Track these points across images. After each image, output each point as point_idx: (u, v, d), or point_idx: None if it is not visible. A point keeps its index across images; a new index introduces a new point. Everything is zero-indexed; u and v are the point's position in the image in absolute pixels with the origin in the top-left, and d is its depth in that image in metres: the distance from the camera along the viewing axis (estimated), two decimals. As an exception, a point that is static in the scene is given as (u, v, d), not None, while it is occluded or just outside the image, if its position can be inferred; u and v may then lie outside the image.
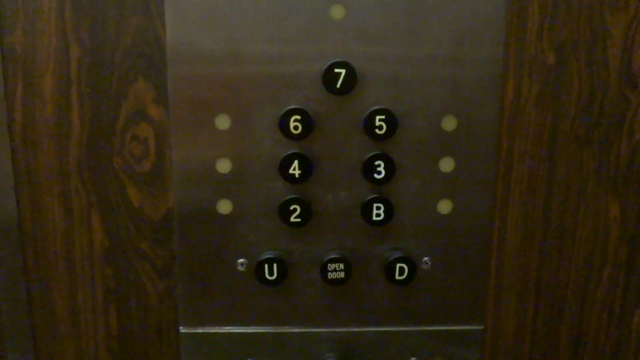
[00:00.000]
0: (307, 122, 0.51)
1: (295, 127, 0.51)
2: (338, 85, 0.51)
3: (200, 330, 0.57)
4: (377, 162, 0.52)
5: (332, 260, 0.54)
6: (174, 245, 0.56)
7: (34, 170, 0.54)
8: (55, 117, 0.53)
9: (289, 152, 0.52)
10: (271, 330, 0.57)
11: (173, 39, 0.50)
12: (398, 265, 0.54)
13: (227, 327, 0.57)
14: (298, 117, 0.51)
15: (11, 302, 0.57)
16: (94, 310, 0.58)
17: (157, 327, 0.58)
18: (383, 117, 0.51)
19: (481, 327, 0.59)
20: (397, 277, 0.55)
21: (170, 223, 0.55)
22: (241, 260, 0.55)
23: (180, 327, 0.57)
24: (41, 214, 0.55)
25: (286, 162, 0.52)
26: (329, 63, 0.50)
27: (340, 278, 0.55)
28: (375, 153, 0.52)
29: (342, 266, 0.54)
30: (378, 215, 0.53)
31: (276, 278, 0.54)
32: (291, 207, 0.53)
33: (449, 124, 0.53)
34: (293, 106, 0.51)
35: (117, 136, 0.54)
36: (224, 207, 0.54)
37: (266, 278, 0.54)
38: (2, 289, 0.57)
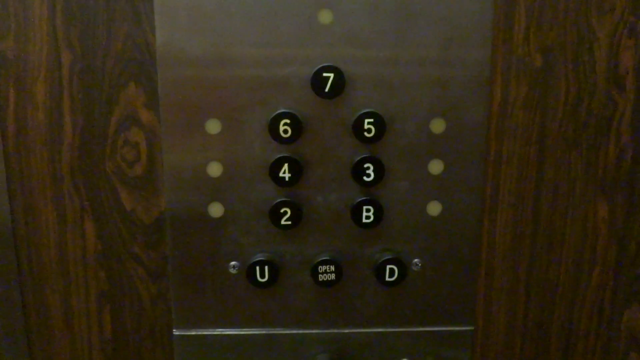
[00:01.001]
0: (297, 125, 0.52)
1: (285, 131, 0.52)
2: (327, 89, 0.51)
3: (193, 333, 0.57)
4: (366, 165, 0.53)
5: (323, 262, 0.55)
6: (166, 249, 0.56)
7: (26, 175, 0.55)
8: (47, 122, 0.53)
9: (279, 156, 0.53)
10: (263, 332, 0.57)
11: (163, 44, 0.51)
12: (388, 266, 0.55)
13: (220, 329, 0.57)
14: (287, 120, 0.52)
15: (5, 306, 0.58)
16: (87, 313, 0.58)
17: (150, 330, 0.59)
18: (372, 120, 0.52)
19: (471, 328, 0.59)
20: (387, 278, 0.55)
21: (162, 226, 0.56)
22: (233, 262, 0.56)
23: (173, 330, 0.57)
24: (34, 218, 0.56)
25: (276, 166, 0.53)
26: (317, 67, 0.51)
27: (331, 280, 0.55)
28: (364, 156, 0.53)
29: (332, 268, 0.55)
30: (368, 217, 0.54)
31: (267, 280, 0.55)
32: (282, 210, 0.53)
33: (438, 126, 0.53)
34: (282, 110, 0.52)
35: (109, 141, 0.54)
36: (215, 210, 0.54)
37: (258, 280, 0.55)
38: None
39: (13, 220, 0.56)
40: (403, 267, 0.55)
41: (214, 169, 0.54)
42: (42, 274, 0.57)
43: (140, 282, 0.57)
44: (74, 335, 0.59)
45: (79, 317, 0.58)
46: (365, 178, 0.53)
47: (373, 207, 0.54)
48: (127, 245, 0.56)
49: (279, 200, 0.54)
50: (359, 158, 0.53)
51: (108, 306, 0.58)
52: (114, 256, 0.57)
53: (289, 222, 0.54)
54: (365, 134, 0.52)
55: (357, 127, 0.52)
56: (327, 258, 0.55)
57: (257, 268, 0.55)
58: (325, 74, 0.51)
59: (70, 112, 0.53)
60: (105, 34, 0.51)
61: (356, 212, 0.54)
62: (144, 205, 0.56)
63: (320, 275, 0.55)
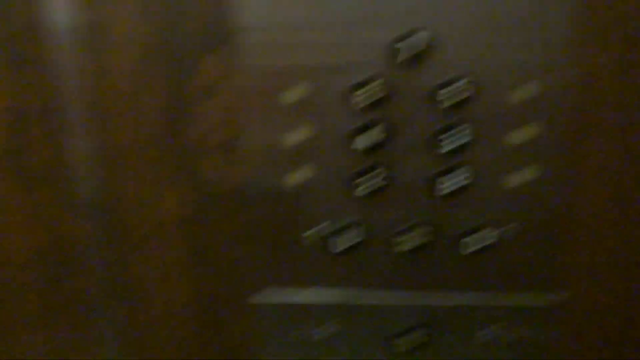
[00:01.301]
0: (380, 91, 0.50)
1: (367, 97, 0.51)
2: (412, 54, 0.50)
3: (271, 301, 0.58)
4: (452, 132, 0.51)
5: (405, 231, 0.54)
6: (244, 217, 0.57)
7: (109, 144, 0.55)
8: (130, 91, 0.54)
9: (361, 123, 0.52)
10: (344, 301, 0.57)
11: (241, 11, 0.50)
12: (474, 235, 0.53)
13: (299, 298, 0.57)
14: (370, 86, 0.50)
15: (88, 272, 0.59)
16: (170, 279, 0.59)
17: (229, 297, 0.59)
18: (458, 85, 0.50)
19: (559, 299, 0.57)
20: (472, 248, 0.54)
21: (241, 194, 0.56)
22: (312, 231, 0.55)
23: (252, 297, 0.58)
24: (118, 187, 0.57)
25: (358, 133, 0.52)
26: (402, 31, 0.49)
27: (414, 248, 0.54)
28: (450, 123, 0.51)
29: (415, 236, 0.54)
30: (453, 185, 0.53)
31: (347, 249, 0.54)
32: (363, 178, 0.53)
33: (525, 92, 0.51)
34: (365, 75, 0.51)
35: (189, 110, 0.54)
36: (295, 178, 0.54)
37: (337, 249, 0.54)
38: (82, 261, 0.59)
39: (98, 190, 0.57)
40: (488, 237, 0.54)
41: (294, 137, 0.53)
42: (125, 242, 0.58)
43: (219, 250, 0.58)
44: (153, 301, 0.60)
45: (161, 282, 0.59)
46: (449, 146, 0.52)
47: (458, 175, 0.52)
48: (207, 212, 0.57)
49: (359, 168, 0.53)
50: (444, 125, 0.51)
51: (188, 273, 0.59)
52: (195, 223, 0.57)
53: (371, 190, 0.53)
54: (452, 99, 0.50)
55: (442, 93, 0.50)
56: (410, 226, 0.54)
57: (338, 236, 0.54)
58: (410, 38, 0.49)
59: (151, 83, 0.53)
60: (184, 3, 0.51)
61: (439, 180, 0.53)
62: (223, 173, 0.56)
63: (403, 243, 0.54)
